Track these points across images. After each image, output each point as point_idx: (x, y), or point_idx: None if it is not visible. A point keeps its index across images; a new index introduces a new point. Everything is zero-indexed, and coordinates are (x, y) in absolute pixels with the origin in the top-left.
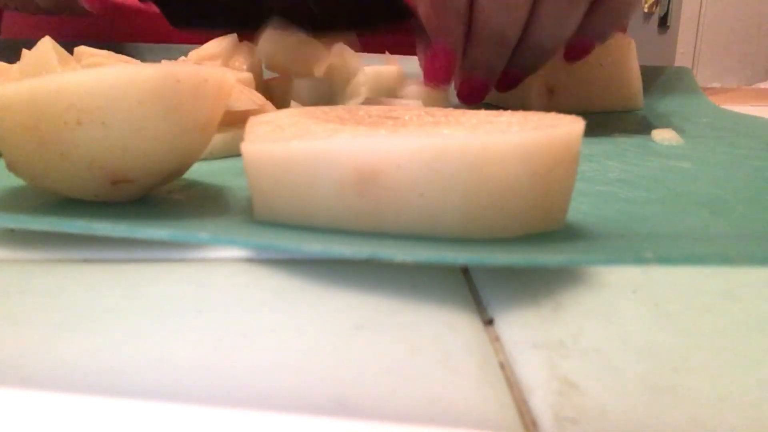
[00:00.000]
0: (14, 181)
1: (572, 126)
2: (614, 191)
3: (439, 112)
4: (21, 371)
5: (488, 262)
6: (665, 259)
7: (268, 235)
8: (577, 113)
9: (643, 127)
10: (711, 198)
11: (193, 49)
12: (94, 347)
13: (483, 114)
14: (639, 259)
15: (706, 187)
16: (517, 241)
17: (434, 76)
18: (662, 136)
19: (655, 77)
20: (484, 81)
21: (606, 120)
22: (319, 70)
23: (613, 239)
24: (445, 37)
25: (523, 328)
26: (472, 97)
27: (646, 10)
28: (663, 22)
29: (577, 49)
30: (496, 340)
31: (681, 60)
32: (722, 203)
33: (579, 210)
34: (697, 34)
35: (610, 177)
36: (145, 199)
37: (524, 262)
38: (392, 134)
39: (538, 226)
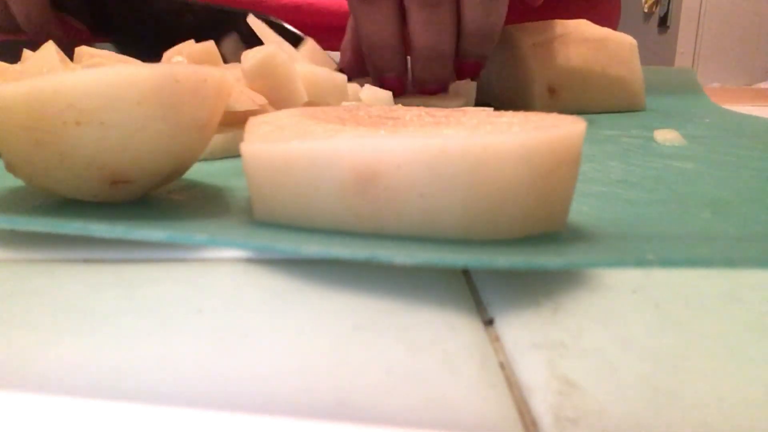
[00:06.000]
0: (13, 182)
1: (574, 126)
2: (616, 192)
3: (440, 113)
4: (20, 372)
5: (489, 264)
6: (667, 261)
7: (267, 236)
8: (579, 113)
9: (645, 127)
10: (713, 199)
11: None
12: (93, 348)
13: (484, 114)
14: (641, 261)
15: (709, 188)
16: (518, 242)
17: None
18: (664, 136)
19: (657, 78)
20: (437, 88)
21: (608, 120)
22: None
23: (614, 240)
24: (388, 72)
25: (523, 329)
26: (433, 93)
27: (646, 10)
28: (663, 22)
29: (466, 71)
30: (496, 340)
31: (681, 60)
32: (724, 204)
33: (580, 211)
34: (697, 34)
35: (612, 178)
36: (145, 200)
37: (525, 265)
38: (392, 135)
39: (539, 227)
